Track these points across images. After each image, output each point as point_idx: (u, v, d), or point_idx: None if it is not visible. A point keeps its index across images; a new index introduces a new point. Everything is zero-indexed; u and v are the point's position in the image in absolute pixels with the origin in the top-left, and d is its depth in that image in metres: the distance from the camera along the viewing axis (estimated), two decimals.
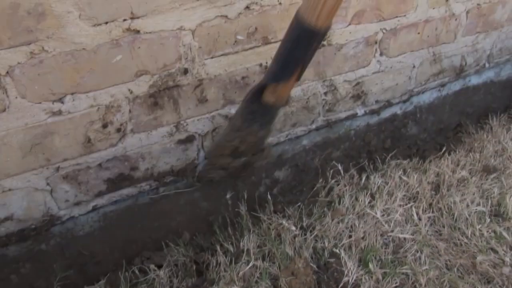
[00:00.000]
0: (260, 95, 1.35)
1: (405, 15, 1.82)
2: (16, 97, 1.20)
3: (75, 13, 1.15)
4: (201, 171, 1.65)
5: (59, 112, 1.29)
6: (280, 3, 1.47)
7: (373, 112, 2.07)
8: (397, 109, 2.17)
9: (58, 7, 1.12)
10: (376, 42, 1.82)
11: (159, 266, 1.52)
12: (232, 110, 1.61)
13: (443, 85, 2.28)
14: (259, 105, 1.37)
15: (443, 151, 1.95)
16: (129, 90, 1.37)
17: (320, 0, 1.06)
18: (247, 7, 1.42)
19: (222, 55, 1.47)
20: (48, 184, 1.41)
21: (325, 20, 1.12)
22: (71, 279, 1.57)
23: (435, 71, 2.14)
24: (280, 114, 1.74)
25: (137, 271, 1.51)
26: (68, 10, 1.14)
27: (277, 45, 1.52)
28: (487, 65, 2.37)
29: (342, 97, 1.88)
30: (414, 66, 2.04)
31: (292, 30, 1.19)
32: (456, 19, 2.01)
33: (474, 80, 2.41)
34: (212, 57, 1.46)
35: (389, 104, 2.09)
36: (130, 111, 1.41)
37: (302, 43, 1.19)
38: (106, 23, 1.21)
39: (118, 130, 1.42)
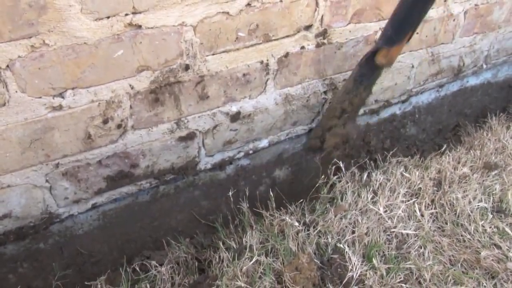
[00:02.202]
0: (372, 58, 1.55)
1: None
2: (16, 91, 1.19)
3: (77, 6, 1.14)
4: (311, 137, 1.84)
5: (60, 107, 1.28)
6: (281, 1, 1.48)
7: (372, 112, 2.07)
8: (396, 109, 2.18)
9: (59, 0, 1.11)
10: (375, 41, 1.83)
11: (161, 264, 1.50)
12: (233, 107, 1.60)
13: (441, 86, 2.29)
14: (369, 68, 1.59)
15: (443, 149, 1.95)
16: (130, 85, 1.36)
17: None
18: (249, 4, 1.42)
19: (223, 51, 1.47)
20: (47, 181, 1.39)
21: None
22: (69, 279, 1.55)
23: (433, 71, 2.15)
24: (281, 112, 1.74)
25: (137, 268, 1.49)
26: (70, 4, 1.13)
27: (278, 42, 1.55)
28: (484, 66, 2.38)
29: None
30: (413, 66, 2.04)
31: None
32: (454, 20, 2.02)
33: (472, 81, 2.42)
34: (213, 54, 1.45)
35: (388, 104, 2.10)
36: (131, 107, 1.40)
37: (418, 4, 1.37)
38: (108, 17, 1.21)
39: (119, 126, 1.41)
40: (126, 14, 1.23)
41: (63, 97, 1.27)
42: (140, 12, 1.24)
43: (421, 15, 1.42)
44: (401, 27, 1.44)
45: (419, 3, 1.37)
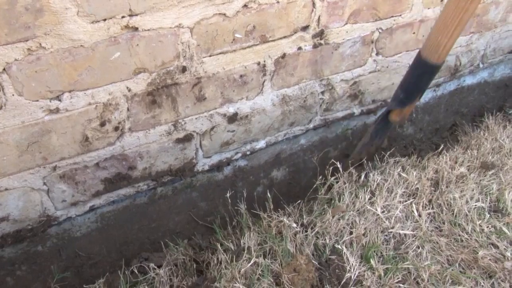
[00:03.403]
0: (387, 117, 1.78)
1: (400, 15, 1.83)
2: (13, 95, 1.19)
3: (73, 9, 1.14)
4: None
5: (57, 110, 1.28)
6: (278, 2, 1.48)
7: (370, 112, 2.08)
8: None
9: (56, 3, 1.11)
10: (372, 42, 1.83)
11: (158, 266, 1.50)
12: (231, 108, 1.61)
13: (438, 85, 2.30)
14: (383, 125, 1.83)
15: (440, 148, 1.96)
16: (127, 88, 1.36)
17: (440, 46, 1.47)
18: (245, 5, 1.42)
19: (220, 53, 1.47)
20: (45, 183, 1.39)
21: (444, 57, 1.52)
22: (68, 281, 1.56)
23: None
24: (278, 113, 1.74)
25: (136, 271, 1.49)
26: (66, 7, 1.13)
27: (274, 43, 1.56)
28: (481, 65, 2.38)
29: (339, 96, 1.89)
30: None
31: (416, 67, 1.59)
32: None
33: (469, 80, 2.43)
34: (210, 55, 1.45)
35: (386, 103, 2.10)
36: (128, 109, 1.40)
37: (425, 76, 1.60)
38: (105, 20, 1.21)
39: (116, 128, 1.41)
40: (123, 17, 1.23)
41: (60, 100, 1.27)
42: (136, 15, 1.24)
43: (428, 83, 1.65)
44: (411, 93, 1.66)
45: (425, 75, 1.60)
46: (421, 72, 1.59)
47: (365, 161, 1.90)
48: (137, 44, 1.29)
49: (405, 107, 1.71)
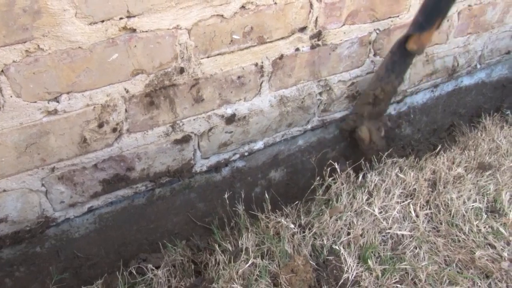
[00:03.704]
0: (404, 45, 1.66)
1: (398, 16, 1.84)
2: (11, 96, 1.19)
3: (71, 11, 1.15)
4: (346, 121, 1.93)
5: (55, 112, 1.28)
6: (275, 3, 1.48)
7: None
8: (391, 110, 2.18)
9: (54, 5, 1.11)
10: (370, 43, 1.84)
11: (157, 267, 1.50)
12: (228, 109, 1.61)
13: (436, 86, 2.30)
14: (400, 55, 1.70)
15: (438, 149, 1.96)
16: (125, 89, 1.36)
17: None
18: (243, 7, 1.43)
19: (218, 54, 1.47)
20: (43, 185, 1.39)
21: None
22: (66, 282, 1.56)
23: (428, 71, 2.16)
24: (276, 114, 1.74)
25: (134, 272, 1.49)
26: (64, 8, 1.13)
27: (272, 44, 1.56)
28: (478, 66, 2.39)
29: (337, 97, 1.89)
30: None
31: None
32: (448, 20, 2.03)
33: (466, 81, 2.44)
34: (208, 57, 1.46)
35: None
36: (126, 110, 1.40)
37: None
38: (102, 21, 1.21)
39: (114, 129, 1.42)
40: (121, 18, 1.23)
41: (58, 102, 1.27)
42: (134, 16, 1.25)
43: (450, 3, 1.56)
44: (431, 14, 1.57)
45: None
46: None
47: (382, 102, 1.82)
48: (135, 46, 1.30)
49: (424, 32, 1.63)
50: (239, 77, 1.56)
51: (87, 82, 1.28)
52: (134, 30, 1.27)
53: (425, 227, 1.58)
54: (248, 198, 1.82)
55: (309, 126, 1.90)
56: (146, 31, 1.29)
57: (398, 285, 1.38)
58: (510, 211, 1.64)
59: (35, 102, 1.23)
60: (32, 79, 1.19)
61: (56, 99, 1.26)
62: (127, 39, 1.27)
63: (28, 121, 1.25)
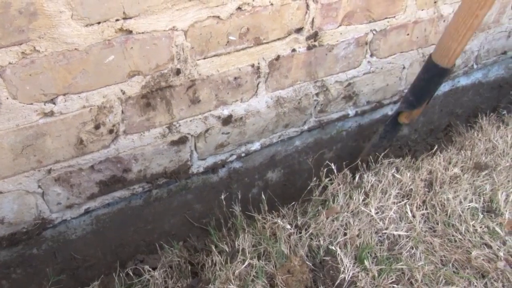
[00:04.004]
0: (396, 118, 1.85)
1: (394, 16, 1.84)
2: (7, 98, 1.19)
3: (67, 13, 1.14)
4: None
5: (51, 113, 1.28)
6: (271, 4, 1.48)
7: (364, 113, 2.08)
8: (388, 110, 2.19)
9: (50, 6, 1.11)
10: (366, 43, 1.84)
11: (154, 268, 1.50)
12: (225, 110, 1.61)
13: None
14: (392, 126, 1.90)
15: (434, 149, 1.97)
16: (121, 90, 1.36)
17: (450, 50, 1.52)
18: (239, 8, 1.43)
19: (214, 55, 1.48)
20: (39, 186, 1.39)
21: (454, 61, 1.58)
22: (63, 284, 1.56)
23: None
24: (273, 115, 1.74)
25: (131, 273, 1.49)
26: (60, 10, 1.13)
27: (268, 45, 1.56)
28: (475, 66, 2.40)
29: (333, 98, 1.90)
30: (404, 67, 2.06)
31: (427, 71, 1.65)
32: (444, 21, 2.03)
33: (463, 81, 2.44)
34: (204, 58, 1.46)
35: (380, 105, 2.11)
36: (122, 112, 1.40)
37: (435, 79, 1.66)
38: (99, 23, 1.21)
39: (111, 131, 1.42)
40: (117, 20, 1.23)
41: (54, 103, 1.27)
42: (130, 18, 1.25)
43: (437, 86, 1.71)
44: (421, 95, 1.72)
45: (434, 78, 1.66)
46: (431, 75, 1.65)
47: (360, 163, 1.92)
48: (131, 47, 1.30)
49: (414, 110, 1.77)
50: (235, 78, 1.57)
51: (83, 83, 1.28)
52: (130, 32, 1.27)
53: (422, 227, 1.59)
54: (245, 199, 1.82)
55: (306, 127, 1.91)
56: (143, 33, 1.29)
57: (395, 285, 1.38)
58: (506, 211, 1.64)
59: (32, 104, 1.23)
60: (28, 81, 1.19)
61: (52, 101, 1.26)
62: (123, 40, 1.27)
63: (25, 123, 1.25)
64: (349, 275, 1.37)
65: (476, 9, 1.41)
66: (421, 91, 1.72)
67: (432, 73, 1.64)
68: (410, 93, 1.75)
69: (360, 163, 1.93)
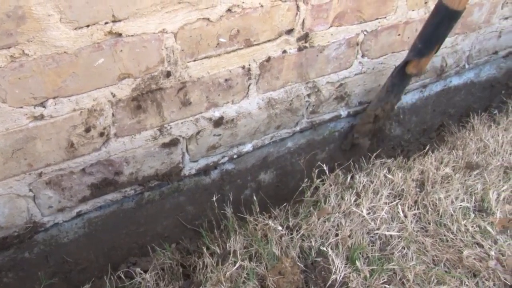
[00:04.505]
0: (403, 69, 1.78)
1: (385, 17, 1.85)
2: None
3: (56, 16, 1.14)
4: (349, 139, 2.07)
5: (41, 117, 1.28)
6: (261, 6, 1.48)
7: (356, 114, 2.09)
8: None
9: (38, 10, 1.11)
10: (357, 44, 1.85)
11: (146, 271, 1.50)
12: (216, 112, 1.61)
13: (424, 86, 2.32)
14: (399, 78, 1.83)
15: (426, 149, 1.97)
16: (111, 93, 1.36)
17: None
18: (229, 10, 1.43)
19: (204, 57, 1.48)
20: (30, 190, 1.39)
21: (465, 3, 1.52)
22: (56, 287, 1.55)
23: None
24: (264, 116, 1.75)
25: (122, 276, 1.49)
26: (49, 13, 1.13)
27: (259, 47, 1.56)
28: (467, 66, 2.41)
29: (325, 98, 1.90)
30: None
31: (437, 14, 1.60)
32: None
33: (455, 81, 2.45)
34: (194, 60, 1.46)
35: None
36: (113, 114, 1.40)
37: (445, 23, 1.60)
38: (88, 26, 1.21)
39: (101, 134, 1.42)
40: (106, 23, 1.23)
41: (44, 107, 1.27)
42: (120, 20, 1.25)
43: (447, 31, 1.65)
44: (430, 41, 1.67)
45: (444, 22, 1.61)
46: (441, 18, 1.60)
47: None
48: (121, 50, 1.30)
49: (423, 58, 1.72)
50: (226, 80, 1.57)
51: (73, 87, 1.28)
52: (119, 35, 1.27)
53: (413, 227, 1.59)
54: (237, 201, 1.82)
55: (298, 128, 1.91)
56: (132, 36, 1.29)
57: (386, 286, 1.39)
58: (497, 210, 1.65)
59: (21, 107, 1.23)
60: (17, 85, 1.19)
61: (42, 104, 1.26)
62: (113, 43, 1.27)
63: (14, 127, 1.25)
64: (340, 275, 1.38)
65: None
66: (430, 36, 1.67)
67: (442, 16, 1.59)
68: (419, 39, 1.70)
69: (361, 124, 1.93)
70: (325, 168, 1.73)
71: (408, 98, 2.29)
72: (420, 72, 1.80)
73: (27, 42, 1.15)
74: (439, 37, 1.66)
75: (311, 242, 1.49)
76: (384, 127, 2.14)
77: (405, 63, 1.78)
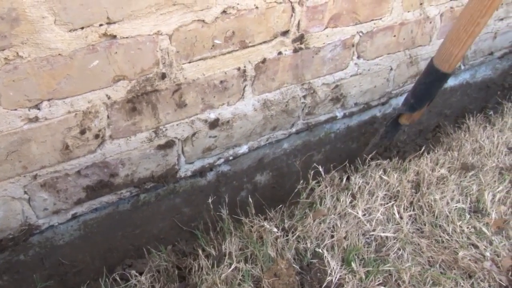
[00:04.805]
0: (397, 120, 1.92)
1: (381, 18, 1.85)
2: None
3: (50, 18, 1.14)
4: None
5: (36, 119, 1.27)
6: (256, 7, 1.49)
7: (352, 115, 2.09)
8: (376, 112, 2.20)
9: (32, 12, 1.11)
10: (353, 45, 1.85)
11: (141, 273, 1.50)
12: (212, 114, 1.61)
13: None
14: (393, 127, 1.97)
15: (421, 150, 1.98)
16: (106, 95, 1.36)
17: (452, 56, 1.58)
18: (224, 11, 1.43)
19: (200, 59, 1.48)
20: (25, 192, 1.39)
21: (454, 66, 1.63)
22: None
23: (412, 73, 2.17)
24: (260, 118, 1.75)
25: (118, 278, 1.49)
26: (43, 15, 1.13)
27: (254, 48, 1.57)
28: (462, 67, 2.41)
29: (321, 100, 1.90)
30: (391, 69, 2.07)
31: (428, 75, 1.72)
32: (430, 22, 2.05)
33: (451, 82, 2.45)
34: (190, 62, 1.46)
35: (368, 106, 2.12)
36: (108, 116, 1.40)
37: (436, 83, 1.72)
38: (82, 28, 1.21)
39: (97, 136, 1.41)
40: (101, 25, 1.23)
41: (39, 109, 1.27)
42: (114, 22, 1.25)
43: (437, 90, 1.75)
44: (422, 99, 1.78)
45: (435, 83, 1.71)
46: (432, 79, 1.71)
47: (348, 164, 1.93)
48: (116, 52, 1.30)
49: (415, 112, 1.83)
50: (221, 82, 1.57)
51: (68, 89, 1.28)
52: (114, 37, 1.27)
53: (409, 228, 1.59)
54: (233, 202, 1.82)
55: (293, 130, 1.91)
56: (127, 37, 1.29)
57: (382, 287, 1.39)
58: (492, 211, 1.65)
59: (16, 109, 1.23)
60: (12, 87, 1.19)
61: (37, 106, 1.26)
62: (107, 45, 1.27)
63: (9, 129, 1.25)
64: (336, 277, 1.38)
65: (478, 17, 1.45)
66: (421, 94, 1.77)
67: (433, 77, 1.69)
68: (411, 95, 1.80)
69: (359, 162, 1.97)
70: (320, 169, 1.73)
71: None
72: (412, 123, 1.93)
73: (21, 44, 1.14)
74: (431, 95, 1.78)
75: (306, 243, 1.49)
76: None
77: (398, 115, 1.91)
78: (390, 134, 2.02)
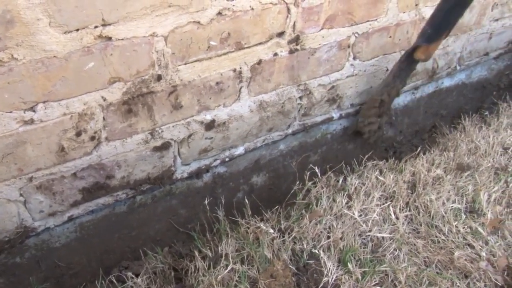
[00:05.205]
0: (411, 54, 1.78)
1: (376, 19, 1.85)
2: None
3: (45, 20, 1.14)
4: (353, 124, 2.08)
5: (31, 121, 1.27)
6: (252, 9, 1.49)
7: (348, 116, 2.09)
8: None
9: (27, 14, 1.11)
10: (349, 46, 1.85)
11: (138, 275, 1.50)
12: (208, 116, 1.61)
13: (416, 88, 2.33)
14: (407, 63, 1.83)
15: (417, 151, 1.98)
16: (102, 97, 1.36)
17: None
18: (219, 13, 1.43)
19: (195, 61, 1.48)
20: (21, 194, 1.38)
21: None
22: None
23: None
24: (256, 119, 1.75)
25: (114, 280, 1.49)
26: (38, 17, 1.13)
27: (250, 50, 1.56)
28: (458, 67, 2.42)
29: (317, 101, 1.90)
30: (387, 69, 2.07)
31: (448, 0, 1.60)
32: None
33: (447, 82, 2.46)
34: (185, 63, 1.46)
35: None
36: (104, 118, 1.40)
37: (457, 8, 1.61)
38: (77, 30, 1.21)
39: (92, 138, 1.41)
40: (96, 27, 1.23)
41: (34, 111, 1.26)
42: (109, 24, 1.24)
43: (458, 17, 1.65)
44: (440, 27, 1.67)
45: (456, 8, 1.61)
46: (453, 4, 1.61)
47: (386, 105, 1.95)
48: (111, 54, 1.29)
49: (432, 44, 1.73)
50: (217, 83, 1.57)
51: (63, 91, 1.28)
52: (109, 38, 1.27)
53: (405, 229, 1.60)
54: (230, 204, 1.82)
55: (290, 131, 1.91)
56: (122, 39, 1.29)
57: None
58: (488, 211, 1.66)
59: (11, 112, 1.23)
60: (6, 89, 1.18)
61: (32, 109, 1.26)
62: (102, 47, 1.27)
63: (4, 131, 1.24)
64: (332, 278, 1.38)
65: None
66: (440, 22, 1.67)
67: (454, 2, 1.61)
68: (429, 25, 1.71)
69: (366, 108, 1.93)
70: (317, 170, 1.73)
71: (400, 100, 2.29)
72: (429, 58, 1.79)
73: (16, 47, 1.14)
74: (450, 23, 1.66)
75: (303, 244, 1.50)
76: (389, 112, 2.17)
77: (414, 48, 1.78)
78: (404, 72, 1.89)
